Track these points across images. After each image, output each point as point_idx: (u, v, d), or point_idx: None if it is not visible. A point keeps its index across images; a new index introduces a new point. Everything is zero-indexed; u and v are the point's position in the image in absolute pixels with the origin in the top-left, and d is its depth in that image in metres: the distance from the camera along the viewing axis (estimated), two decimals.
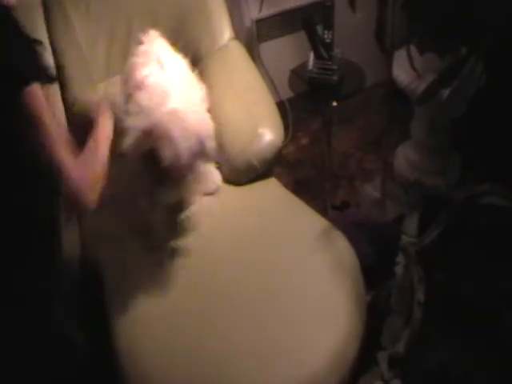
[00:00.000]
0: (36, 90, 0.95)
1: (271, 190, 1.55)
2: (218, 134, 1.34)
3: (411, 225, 1.60)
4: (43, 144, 0.96)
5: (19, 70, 0.94)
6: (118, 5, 1.68)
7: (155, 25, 1.68)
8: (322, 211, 1.82)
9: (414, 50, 1.64)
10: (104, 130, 1.14)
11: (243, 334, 1.20)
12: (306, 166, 2.21)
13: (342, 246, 1.38)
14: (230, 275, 1.32)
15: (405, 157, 1.98)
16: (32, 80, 0.94)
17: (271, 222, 1.43)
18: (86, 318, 1.27)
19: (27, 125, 0.95)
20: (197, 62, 1.61)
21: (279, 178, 1.63)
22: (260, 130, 1.50)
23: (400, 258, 1.51)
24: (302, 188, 2.07)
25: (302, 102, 1.95)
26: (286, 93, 2.00)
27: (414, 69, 1.60)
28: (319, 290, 1.28)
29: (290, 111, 2.15)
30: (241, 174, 1.53)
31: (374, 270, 1.45)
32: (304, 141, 2.31)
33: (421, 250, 1.49)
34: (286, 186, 1.62)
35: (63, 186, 1.00)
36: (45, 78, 1.00)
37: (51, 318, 1.11)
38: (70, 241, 1.40)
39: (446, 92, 1.69)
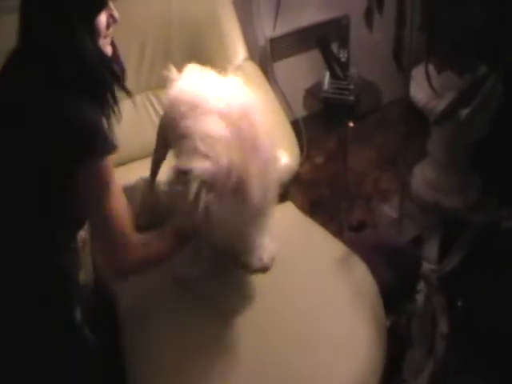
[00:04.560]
0: (107, 162, 0.96)
1: (287, 214, 1.51)
2: None
3: (431, 250, 1.55)
4: (109, 212, 0.97)
5: (97, 146, 0.95)
6: (132, 26, 1.67)
7: (168, 47, 1.71)
8: (339, 232, 1.80)
9: (431, 68, 1.61)
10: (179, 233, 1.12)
11: (260, 363, 1.17)
12: (321, 185, 2.18)
13: (360, 272, 1.35)
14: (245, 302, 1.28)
15: (422, 176, 1.94)
16: (105, 154, 0.95)
17: (288, 247, 1.37)
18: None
19: (94, 195, 0.97)
20: None
21: (294, 198, 1.61)
22: (276, 154, 1.44)
23: (421, 286, 1.46)
24: (317, 208, 2.04)
25: (317, 121, 1.92)
26: (300, 111, 1.98)
27: (432, 88, 1.57)
28: (338, 318, 1.25)
29: (304, 130, 2.12)
30: None
31: (392, 294, 1.43)
32: (319, 160, 2.28)
33: (442, 276, 1.44)
34: (302, 206, 1.63)
35: (113, 251, 1.01)
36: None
37: (73, 318, 1.09)
38: (83, 265, 1.36)
39: (464, 112, 1.66)
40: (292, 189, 2.04)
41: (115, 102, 1.04)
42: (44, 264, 1.03)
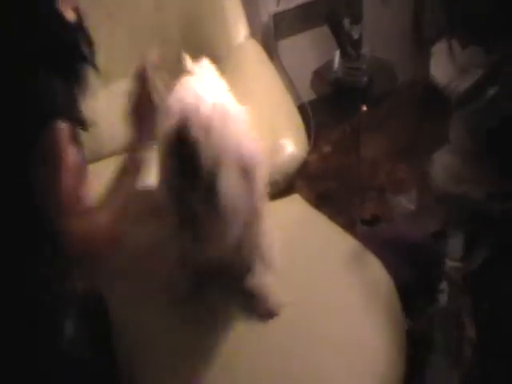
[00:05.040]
0: (61, 130, 0.90)
1: (295, 207, 1.45)
2: None
3: (455, 247, 1.47)
4: (56, 186, 0.91)
5: (47, 105, 0.90)
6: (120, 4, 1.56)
7: (164, 27, 1.64)
8: (349, 227, 1.69)
9: (454, 43, 1.48)
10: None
11: (265, 368, 1.12)
12: (329, 177, 2.10)
13: (375, 269, 1.29)
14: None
15: (443, 164, 1.82)
16: (58, 118, 0.90)
17: (297, 243, 1.32)
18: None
19: (44, 164, 0.91)
20: None
21: (300, 191, 1.55)
22: (281, 142, 1.42)
23: (444, 286, 1.38)
24: (325, 202, 1.94)
25: (326, 105, 1.84)
26: (308, 94, 1.87)
27: (457, 64, 1.44)
28: (350, 320, 1.19)
29: (312, 116, 2.00)
30: None
31: (410, 293, 1.35)
32: (326, 149, 2.18)
33: (467, 275, 1.34)
34: (308, 200, 1.54)
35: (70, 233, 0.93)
36: (76, 121, 0.95)
37: (62, 336, 1.06)
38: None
39: (491, 91, 1.53)
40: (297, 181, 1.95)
41: (79, 70, 0.98)
42: (30, 270, 0.99)
